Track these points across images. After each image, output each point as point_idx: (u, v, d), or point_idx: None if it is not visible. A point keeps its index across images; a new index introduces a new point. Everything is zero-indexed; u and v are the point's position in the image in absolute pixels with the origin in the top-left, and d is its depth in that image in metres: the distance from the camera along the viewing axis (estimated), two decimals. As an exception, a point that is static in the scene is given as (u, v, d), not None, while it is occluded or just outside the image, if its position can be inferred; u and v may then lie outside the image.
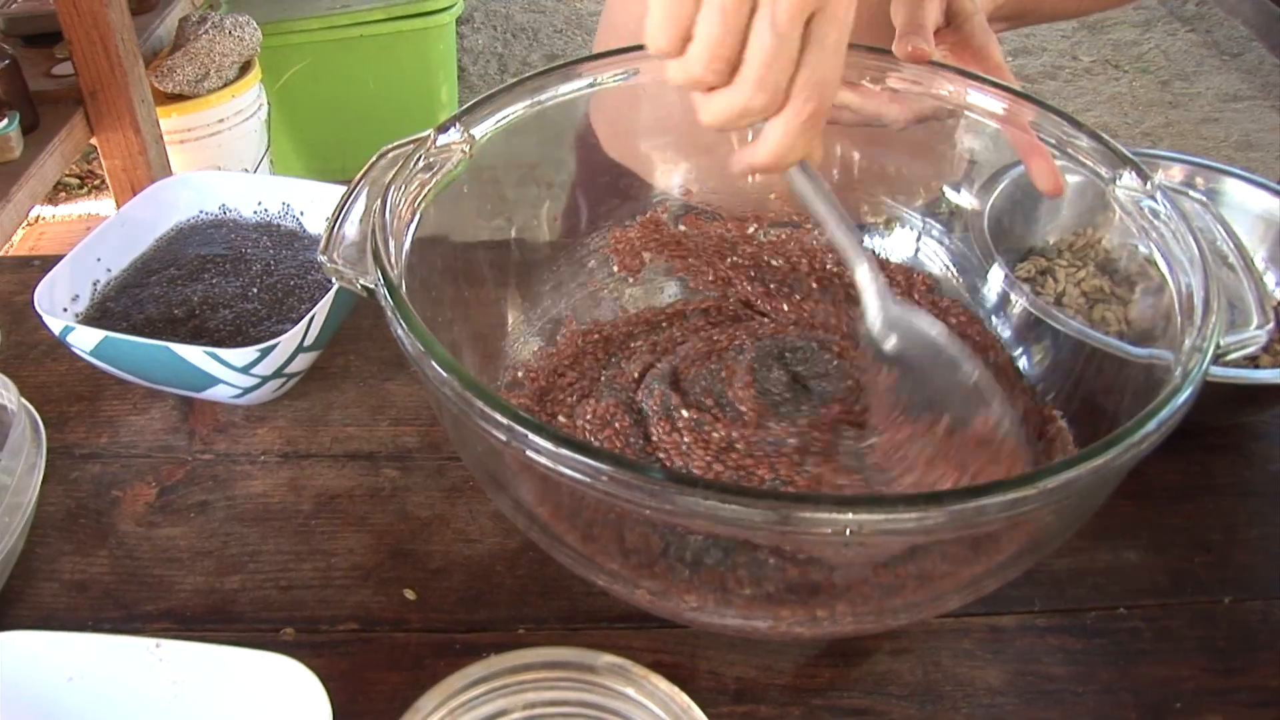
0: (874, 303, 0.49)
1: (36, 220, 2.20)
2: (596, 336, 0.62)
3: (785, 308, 0.63)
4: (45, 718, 0.45)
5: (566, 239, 0.65)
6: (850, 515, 0.36)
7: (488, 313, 0.61)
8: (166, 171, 1.74)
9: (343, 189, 0.51)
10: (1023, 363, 0.59)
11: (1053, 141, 0.56)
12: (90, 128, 1.66)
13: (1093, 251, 0.65)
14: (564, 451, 0.37)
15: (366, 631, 0.53)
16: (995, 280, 0.61)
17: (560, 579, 0.55)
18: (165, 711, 0.45)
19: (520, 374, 0.60)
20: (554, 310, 0.63)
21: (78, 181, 2.31)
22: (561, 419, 0.56)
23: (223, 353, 0.58)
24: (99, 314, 0.66)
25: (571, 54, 2.74)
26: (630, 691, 0.40)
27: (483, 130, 0.55)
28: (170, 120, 1.81)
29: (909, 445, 0.48)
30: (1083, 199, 0.64)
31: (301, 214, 0.74)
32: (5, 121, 1.48)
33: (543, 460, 0.38)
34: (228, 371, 0.59)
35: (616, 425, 0.53)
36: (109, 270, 0.68)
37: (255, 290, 0.67)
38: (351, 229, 0.49)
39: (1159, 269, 0.50)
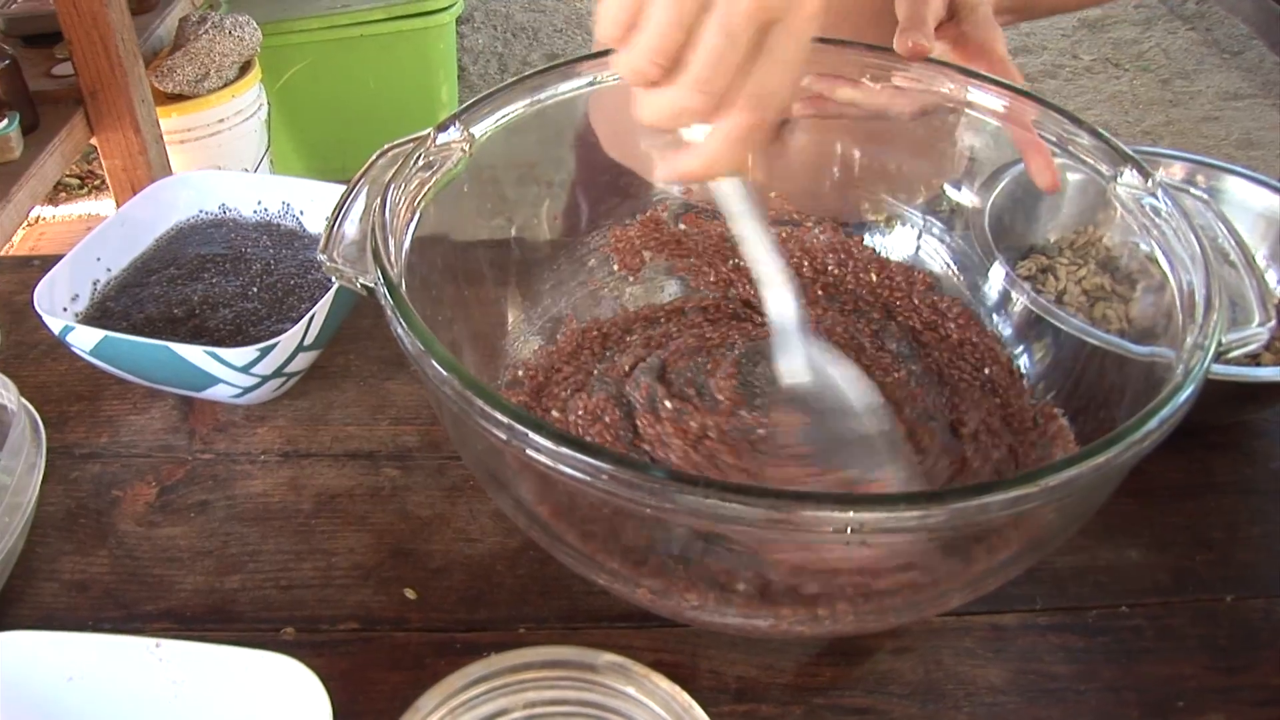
0: (788, 339, 0.47)
1: (37, 220, 2.20)
2: (595, 333, 0.62)
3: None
4: (45, 718, 0.45)
5: (567, 238, 0.65)
6: (852, 514, 0.36)
7: (488, 312, 0.61)
8: (167, 171, 1.74)
9: (342, 188, 0.51)
10: (1024, 361, 0.59)
11: (1053, 139, 0.56)
12: (90, 128, 1.66)
13: (1094, 249, 0.65)
14: (564, 450, 0.37)
15: (367, 631, 0.53)
16: (996, 278, 0.61)
17: (561, 578, 0.55)
18: (165, 711, 0.45)
19: (520, 373, 0.60)
20: (554, 309, 0.63)
21: (78, 182, 2.31)
22: (554, 414, 0.56)
23: (223, 352, 0.58)
24: (99, 313, 0.66)
25: (571, 53, 2.74)
26: (631, 690, 0.40)
27: (483, 129, 0.55)
28: (170, 120, 1.81)
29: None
30: (1084, 197, 0.64)
31: (301, 213, 0.74)
32: (5, 122, 1.48)
33: (543, 459, 0.38)
34: (228, 371, 0.59)
35: (607, 419, 0.53)
36: (109, 270, 0.68)
37: (255, 289, 0.67)
38: (351, 228, 0.49)
39: (1160, 267, 0.50)
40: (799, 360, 0.47)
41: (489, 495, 0.55)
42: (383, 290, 0.44)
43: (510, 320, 0.62)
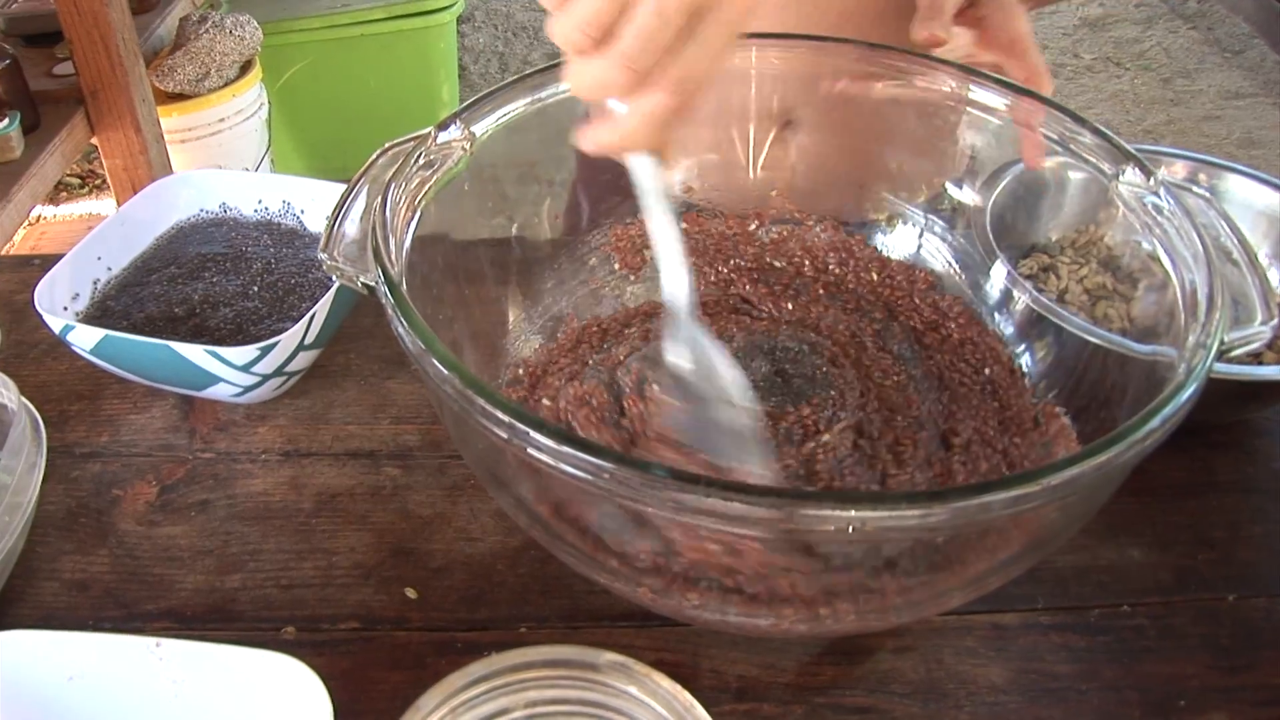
0: (677, 318, 0.48)
1: (38, 220, 2.20)
2: (595, 329, 0.62)
3: (790, 307, 0.63)
4: (45, 717, 0.45)
5: (568, 236, 0.65)
6: (853, 512, 0.36)
7: (489, 310, 0.61)
8: (167, 171, 1.74)
9: (343, 187, 0.51)
10: (1025, 360, 0.59)
11: (1055, 138, 0.56)
12: (91, 127, 1.66)
13: (1096, 248, 0.65)
14: (565, 449, 0.37)
15: (368, 630, 0.53)
16: (998, 277, 0.61)
17: (562, 577, 0.55)
18: (166, 711, 0.45)
19: (521, 371, 0.59)
20: (555, 308, 0.63)
21: (79, 181, 2.31)
22: (545, 402, 0.56)
23: (223, 351, 0.58)
24: (99, 313, 0.66)
25: (572, 52, 2.73)
26: (633, 690, 0.40)
27: (483, 128, 0.55)
28: (171, 120, 1.81)
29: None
30: (1086, 195, 0.64)
31: (302, 212, 0.74)
32: (6, 121, 1.48)
33: (543, 458, 0.38)
34: (228, 370, 0.59)
35: (594, 403, 0.53)
36: (109, 269, 0.68)
37: (256, 289, 0.67)
38: (352, 227, 0.49)
39: (1162, 265, 0.50)
40: (684, 338, 0.48)
41: (490, 494, 0.55)
42: (383, 289, 0.44)
43: (511, 319, 0.62)
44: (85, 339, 0.60)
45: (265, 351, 0.59)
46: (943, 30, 0.56)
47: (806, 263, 0.66)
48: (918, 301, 0.63)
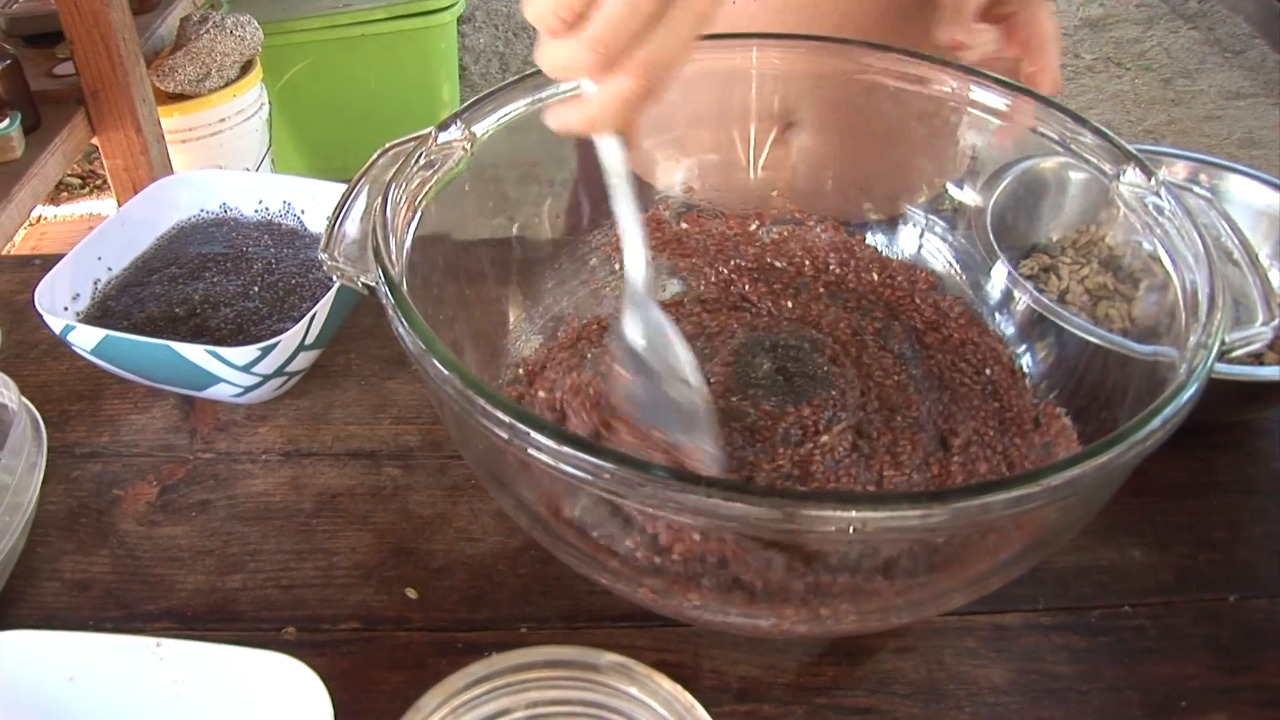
0: (634, 296, 0.49)
1: (38, 220, 2.20)
2: (596, 328, 0.62)
3: (791, 305, 0.63)
4: (46, 718, 0.45)
5: (568, 236, 0.65)
6: (854, 513, 0.36)
7: (489, 311, 0.61)
8: (168, 171, 1.74)
9: (344, 187, 0.51)
10: (1026, 360, 0.59)
11: (1056, 138, 0.56)
12: (92, 127, 1.66)
13: (1096, 248, 0.65)
14: (566, 449, 0.37)
15: (368, 630, 0.53)
16: (998, 277, 0.61)
17: (562, 578, 0.55)
18: (166, 711, 0.45)
19: (521, 371, 0.59)
20: (556, 308, 0.63)
21: (79, 181, 2.31)
22: (541, 394, 0.56)
23: (224, 351, 0.58)
24: (100, 313, 0.66)
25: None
26: (633, 690, 0.40)
27: (484, 128, 0.55)
28: (172, 120, 1.81)
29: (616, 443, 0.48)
30: (1086, 195, 0.64)
31: (302, 212, 0.74)
32: (7, 121, 1.48)
33: (544, 458, 0.38)
34: (229, 370, 0.59)
35: (590, 391, 0.53)
36: (110, 269, 0.68)
37: (256, 289, 0.67)
38: (352, 227, 0.49)
39: (1163, 265, 0.50)
40: (640, 316, 0.49)
41: (490, 495, 0.55)
42: (384, 289, 0.44)
43: (512, 319, 0.62)
44: (86, 339, 0.60)
45: (266, 352, 0.59)
46: (964, 34, 0.56)
47: (807, 263, 0.66)
48: (918, 301, 0.63)
